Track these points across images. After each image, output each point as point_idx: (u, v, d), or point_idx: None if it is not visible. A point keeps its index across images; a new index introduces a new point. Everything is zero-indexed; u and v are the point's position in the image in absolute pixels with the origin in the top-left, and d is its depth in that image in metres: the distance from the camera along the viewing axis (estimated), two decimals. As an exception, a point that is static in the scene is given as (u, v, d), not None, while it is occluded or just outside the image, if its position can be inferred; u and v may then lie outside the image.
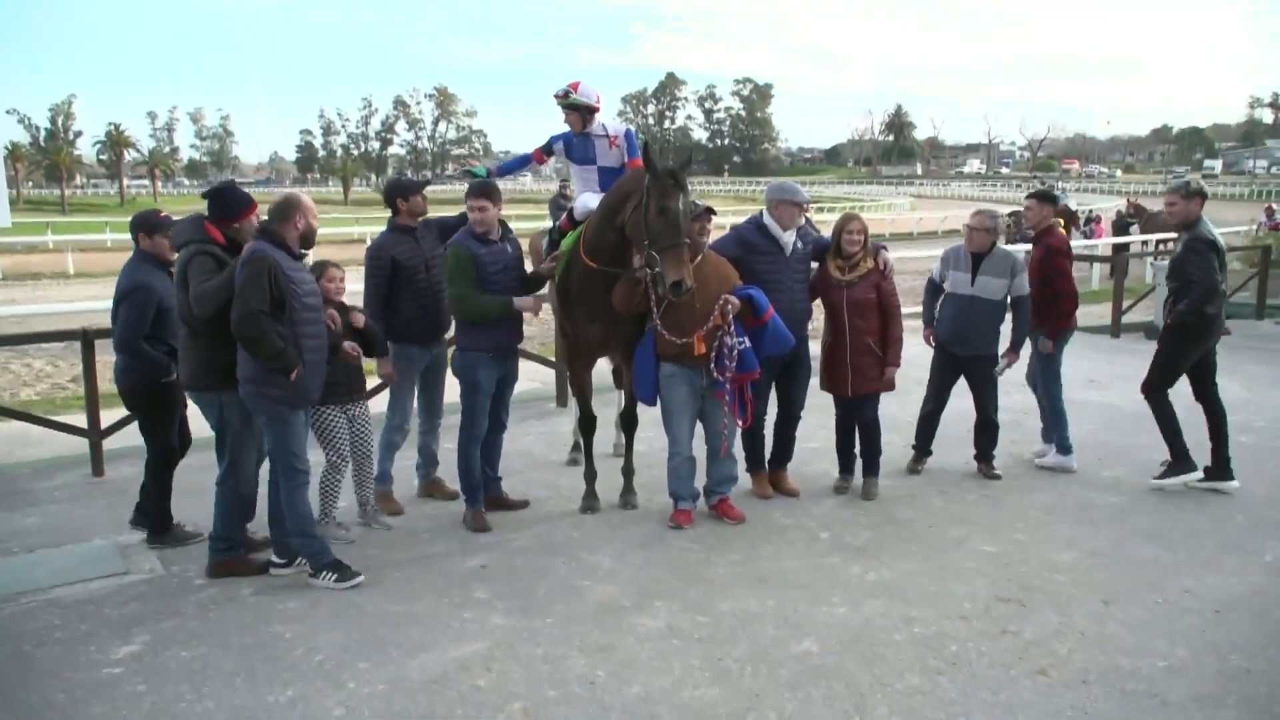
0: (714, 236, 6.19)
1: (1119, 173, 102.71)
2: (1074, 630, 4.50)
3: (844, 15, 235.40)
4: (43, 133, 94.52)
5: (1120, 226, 23.22)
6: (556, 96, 6.24)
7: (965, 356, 6.60)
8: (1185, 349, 6.38)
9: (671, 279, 5.14)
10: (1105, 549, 5.49)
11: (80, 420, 7.31)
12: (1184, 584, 5.01)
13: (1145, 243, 21.82)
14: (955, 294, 6.58)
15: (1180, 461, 6.46)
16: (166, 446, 5.64)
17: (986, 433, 6.77)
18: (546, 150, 6.50)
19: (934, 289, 6.85)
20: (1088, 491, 6.46)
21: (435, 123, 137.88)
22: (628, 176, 5.67)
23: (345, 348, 5.37)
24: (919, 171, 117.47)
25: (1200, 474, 6.45)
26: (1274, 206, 23.33)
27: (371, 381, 6.21)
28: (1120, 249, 20.20)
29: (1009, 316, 6.73)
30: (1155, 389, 6.46)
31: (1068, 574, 5.14)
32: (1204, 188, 6.43)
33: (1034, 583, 5.03)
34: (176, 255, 5.07)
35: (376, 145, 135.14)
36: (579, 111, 6.20)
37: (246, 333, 4.65)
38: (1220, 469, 6.44)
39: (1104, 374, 10.33)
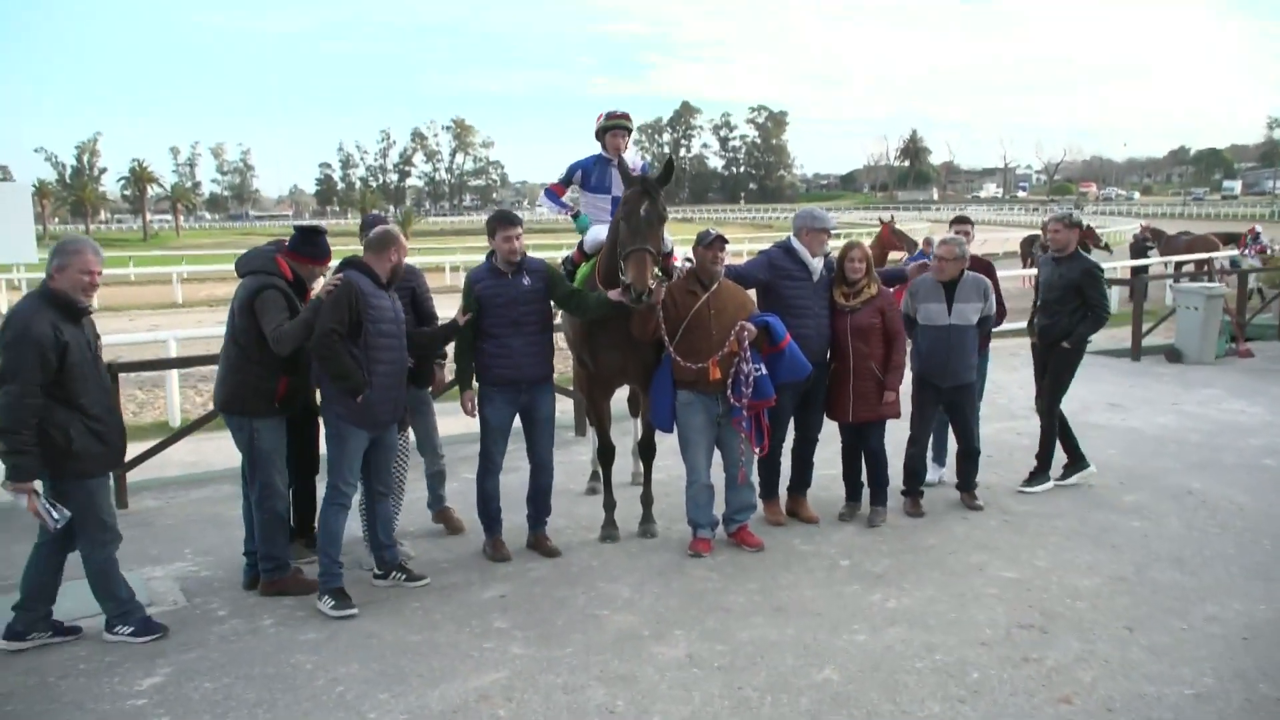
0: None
1: (1137, 194, 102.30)
2: (1097, 657, 4.46)
3: (856, 40, 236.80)
4: (69, 170, 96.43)
5: (1138, 250, 23.19)
6: (618, 116, 6.37)
7: (948, 387, 6.46)
8: (1077, 366, 6.94)
9: (625, 282, 5.20)
10: (1128, 574, 5.44)
11: (104, 453, 7.37)
12: (1209, 610, 4.95)
13: (1165, 265, 21.79)
14: (932, 326, 6.40)
15: (1077, 460, 7.05)
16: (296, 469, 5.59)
17: (969, 462, 6.66)
18: (566, 181, 6.57)
19: (907, 322, 6.59)
20: (1109, 516, 6.41)
21: (453, 154, 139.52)
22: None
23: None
24: (935, 196, 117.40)
25: (1094, 468, 7.09)
26: (1258, 229, 22.36)
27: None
28: (1138, 272, 20.15)
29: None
30: (1056, 408, 6.93)
31: (1089, 600, 5.10)
32: (1083, 220, 7.20)
33: (1055, 609, 4.99)
34: (241, 279, 5.22)
35: (395, 177, 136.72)
36: (628, 135, 6.36)
37: (320, 350, 4.90)
38: (1045, 469, 7.06)
39: (1125, 397, 10.27)
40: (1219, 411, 9.58)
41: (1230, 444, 8.22)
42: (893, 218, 15.33)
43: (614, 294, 5.50)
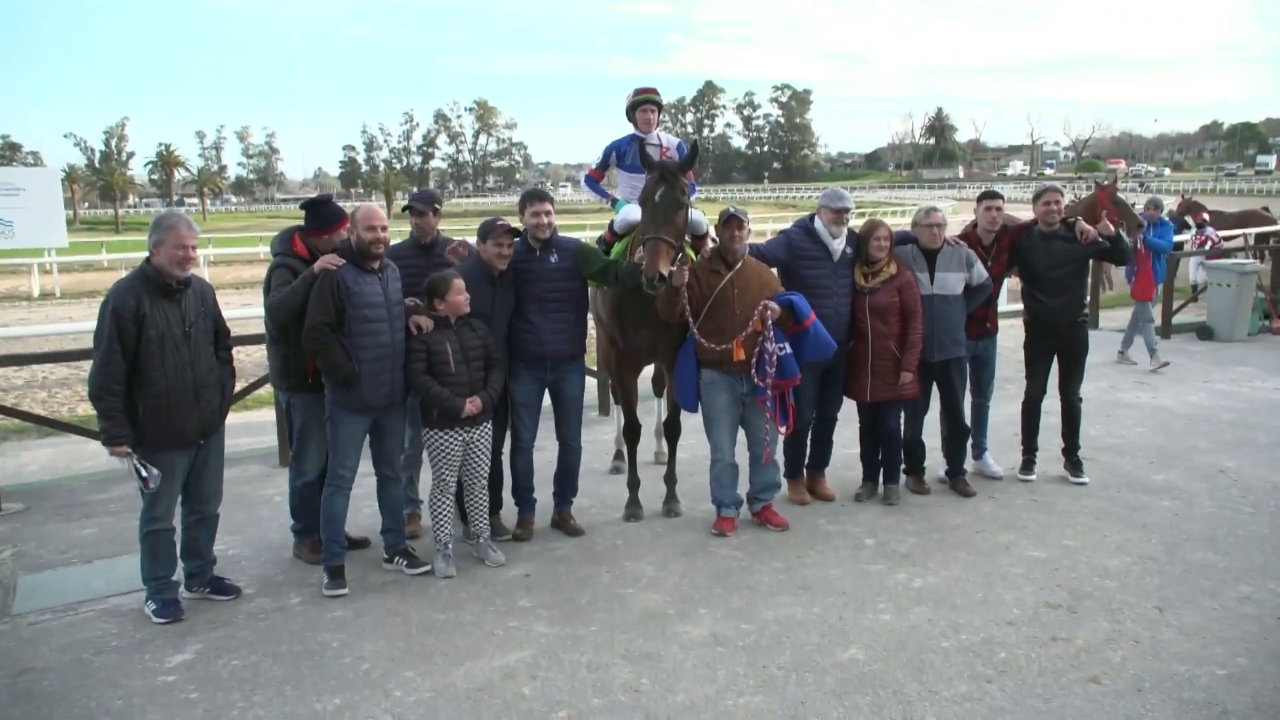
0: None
1: (1168, 171, 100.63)
2: (1127, 637, 4.41)
3: (880, 18, 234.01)
4: (97, 154, 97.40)
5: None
6: (647, 91, 6.28)
7: (938, 362, 6.28)
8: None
9: (643, 270, 5.18)
10: (1158, 554, 5.38)
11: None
12: (1242, 590, 4.89)
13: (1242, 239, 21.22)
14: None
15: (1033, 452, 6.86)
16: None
17: (958, 441, 6.51)
18: (603, 165, 6.51)
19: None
20: (1139, 495, 6.34)
21: (476, 135, 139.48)
22: None
23: (466, 406, 5.15)
24: (961, 175, 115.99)
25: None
26: (1205, 217, 17.13)
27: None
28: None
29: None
30: (1079, 387, 6.69)
31: (1119, 580, 5.05)
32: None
33: (1084, 589, 4.94)
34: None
35: (418, 159, 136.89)
36: (659, 110, 6.29)
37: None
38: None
39: (1154, 376, 10.14)
40: (1252, 389, 9.44)
41: (1264, 422, 8.10)
42: (1113, 181, 14.50)
43: (637, 257, 5.49)
